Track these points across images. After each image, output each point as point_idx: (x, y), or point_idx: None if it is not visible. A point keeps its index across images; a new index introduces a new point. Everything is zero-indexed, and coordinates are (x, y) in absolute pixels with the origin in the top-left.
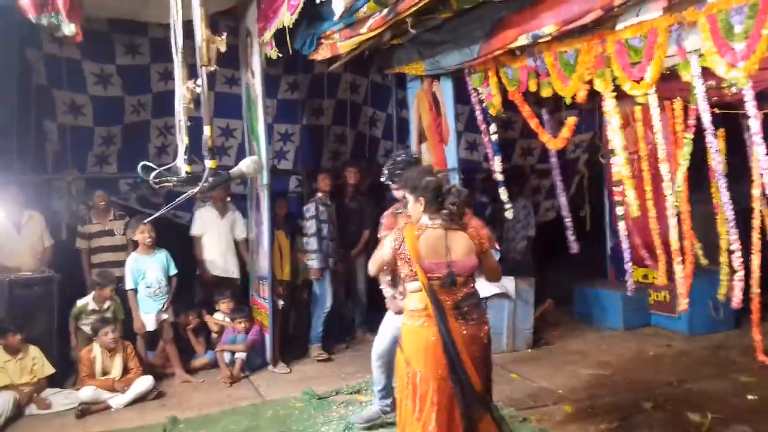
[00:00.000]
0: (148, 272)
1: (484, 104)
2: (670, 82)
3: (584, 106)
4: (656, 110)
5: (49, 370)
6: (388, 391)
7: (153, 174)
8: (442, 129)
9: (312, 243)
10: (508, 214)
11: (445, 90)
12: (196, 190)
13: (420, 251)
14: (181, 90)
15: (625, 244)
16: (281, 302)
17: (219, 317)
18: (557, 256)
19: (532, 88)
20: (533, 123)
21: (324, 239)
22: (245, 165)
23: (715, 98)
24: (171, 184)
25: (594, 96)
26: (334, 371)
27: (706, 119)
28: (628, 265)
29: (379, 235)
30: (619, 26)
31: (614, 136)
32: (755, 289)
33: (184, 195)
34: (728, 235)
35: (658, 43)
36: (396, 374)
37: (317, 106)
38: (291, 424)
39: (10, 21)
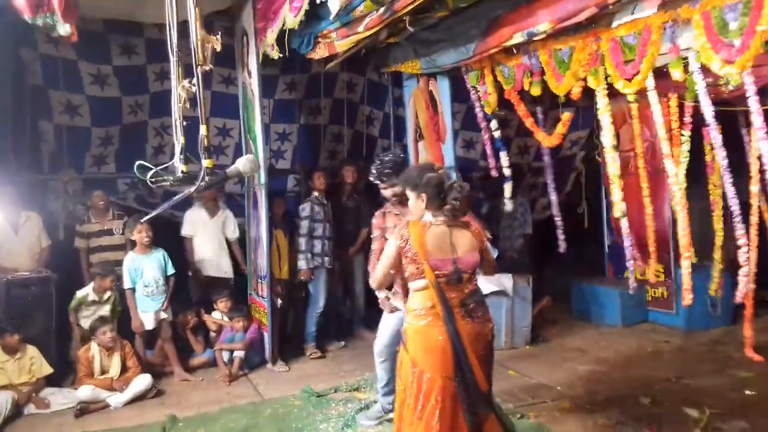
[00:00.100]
0: (145, 272)
1: (482, 102)
2: (665, 79)
3: (581, 103)
4: (657, 107)
5: (48, 369)
6: (391, 388)
7: (150, 174)
8: (439, 127)
9: (301, 243)
10: (508, 207)
11: (442, 88)
12: (192, 189)
13: (427, 248)
14: (177, 89)
15: (626, 242)
16: (279, 301)
17: (217, 316)
18: (555, 253)
19: (528, 86)
20: (528, 122)
21: (318, 239)
22: (242, 164)
23: (712, 96)
24: (168, 183)
25: (591, 93)
26: (333, 369)
27: (709, 114)
28: (630, 263)
29: (372, 235)
30: (614, 24)
31: (605, 134)
32: (750, 285)
33: (180, 194)
34: (734, 230)
35: (652, 40)
36: (398, 374)
37: (314, 106)
38: (290, 422)
39: (5, 21)
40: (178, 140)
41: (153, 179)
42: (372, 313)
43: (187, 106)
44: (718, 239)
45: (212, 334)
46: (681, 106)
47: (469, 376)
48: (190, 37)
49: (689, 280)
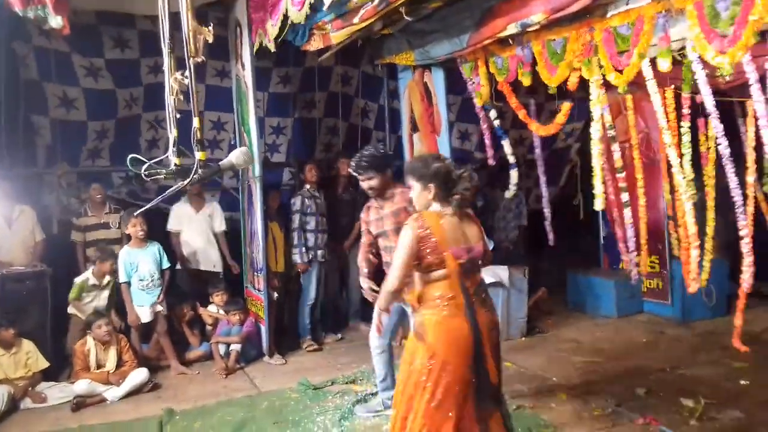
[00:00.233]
0: (140, 265)
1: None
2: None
3: (577, 94)
4: (656, 96)
5: (44, 364)
6: (389, 383)
7: (144, 167)
8: (434, 119)
9: (294, 237)
10: (508, 193)
11: (437, 80)
12: (186, 182)
13: (446, 236)
14: (170, 81)
15: (630, 233)
16: (276, 294)
17: (213, 310)
18: (550, 245)
19: (521, 77)
20: (521, 113)
21: (311, 232)
22: (235, 156)
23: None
24: (162, 176)
25: (587, 85)
26: (329, 362)
27: (709, 104)
28: (633, 255)
29: (361, 230)
30: (609, 14)
31: (594, 126)
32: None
33: (173, 187)
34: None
35: (644, 30)
36: (408, 366)
37: (309, 99)
38: (287, 414)
39: None
40: (172, 133)
41: (147, 172)
42: (368, 306)
43: (181, 98)
44: (710, 229)
45: (208, 328)
46: (677, 98)
47: (482, 367)
48: (182, 29)
49: (697, 269)
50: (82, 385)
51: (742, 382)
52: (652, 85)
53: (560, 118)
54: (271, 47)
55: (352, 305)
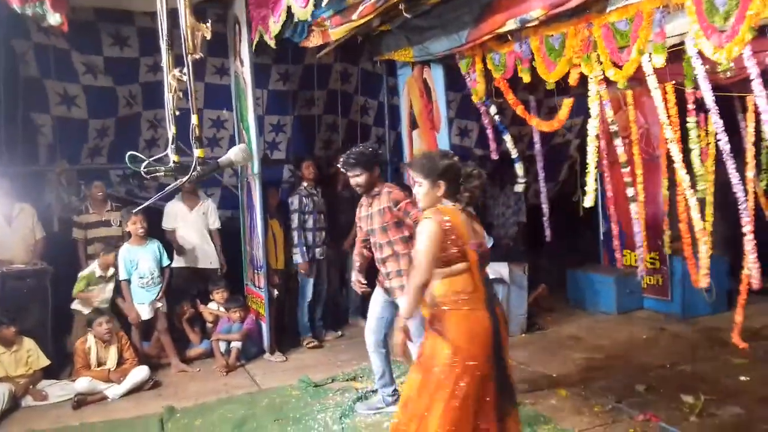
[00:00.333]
0: (140, 263)
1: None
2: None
3: (576, 90)
4: (657, 92)
5: (44, 361)
6: (388, 379)
7: (144, 164)
8: (433, 115)
9: (294, 237)
10: (518, 188)
11: (436, 76)
12: (185, 179)
13: (466, 231)
14: (168, 78)
15: (636, 227)
16: (276, 291)
17: (213, 307)
18: (550, 241)
19: (521, 73)
20: (519, 109)
21: (310, 230)
22: (234, 153)
23: (710, 82)
24: (161, 173)
25: (586, 81)
26: (330, 359)
27: (709, 99)
28: (640, 250)
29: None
30: (609, 9)
31: (591, 122)
32: (746, 271)
33: (172, 185)
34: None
35: (643, 26)
36: (429, 362)
37: (308, 97)
38: (287, 411)
39: None
40: (170, 130)
41: (146, 169)
42: (368, 303)
43: (180, 95)
44: (708, 225)
45: (209, 325)
46: (678, 93)
47: (502, 359)
48: (180, 25)
49: (707, 263)
50: (82, 383)
51: (742, 378)
52: (652, 81)
53: (563, 114)
54: (272, 44)
55: (352, 302)
